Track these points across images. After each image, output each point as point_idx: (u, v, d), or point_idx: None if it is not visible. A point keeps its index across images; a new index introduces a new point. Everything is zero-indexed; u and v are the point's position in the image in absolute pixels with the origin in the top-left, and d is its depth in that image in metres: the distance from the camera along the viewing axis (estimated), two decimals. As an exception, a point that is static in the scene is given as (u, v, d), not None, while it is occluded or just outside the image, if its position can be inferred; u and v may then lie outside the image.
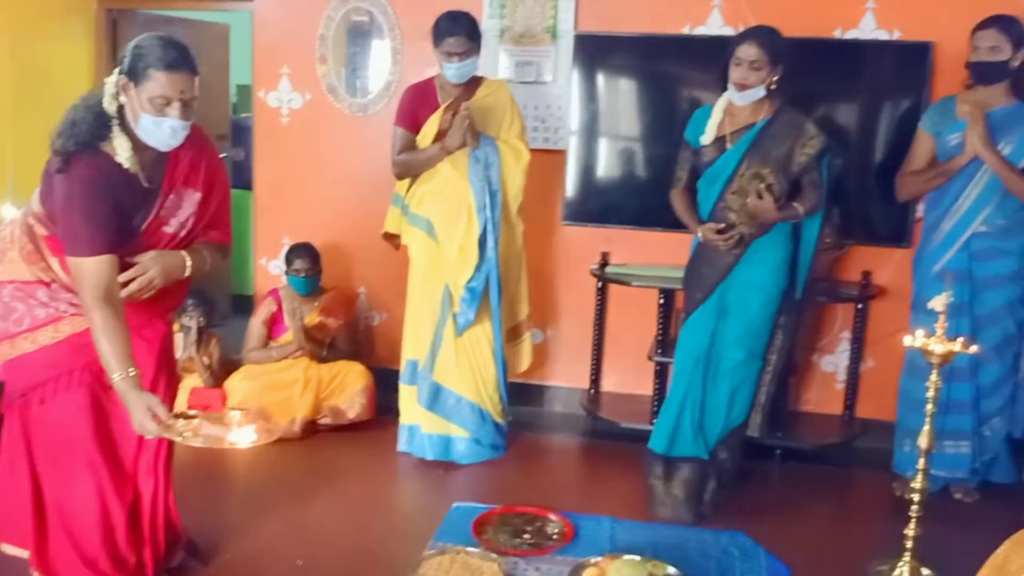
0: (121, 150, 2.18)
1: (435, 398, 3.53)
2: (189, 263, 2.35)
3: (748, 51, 3.08)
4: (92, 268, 2.16)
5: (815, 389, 4.10)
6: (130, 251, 2.26)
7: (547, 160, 4.12)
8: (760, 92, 3.11)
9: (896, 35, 3.79)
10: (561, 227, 4.17)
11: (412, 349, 3.60)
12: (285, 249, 4.24)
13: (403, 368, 3.65)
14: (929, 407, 2.70)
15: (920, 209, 3.72)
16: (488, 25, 4.07)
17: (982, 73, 3.20)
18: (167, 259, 2.31)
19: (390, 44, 4.20)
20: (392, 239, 3.71)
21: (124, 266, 2.25)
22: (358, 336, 4.42)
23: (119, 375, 2.14)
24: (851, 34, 3.83)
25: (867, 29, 3.81)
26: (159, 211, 2.29)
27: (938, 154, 3.36)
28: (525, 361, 3.84)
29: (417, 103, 3.47)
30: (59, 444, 2.34)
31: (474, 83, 3.48)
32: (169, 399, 2.52)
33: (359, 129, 4.30)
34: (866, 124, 3.89)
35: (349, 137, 4.32)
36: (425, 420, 3.57)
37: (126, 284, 2.25)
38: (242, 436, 2.21)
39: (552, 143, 4.13)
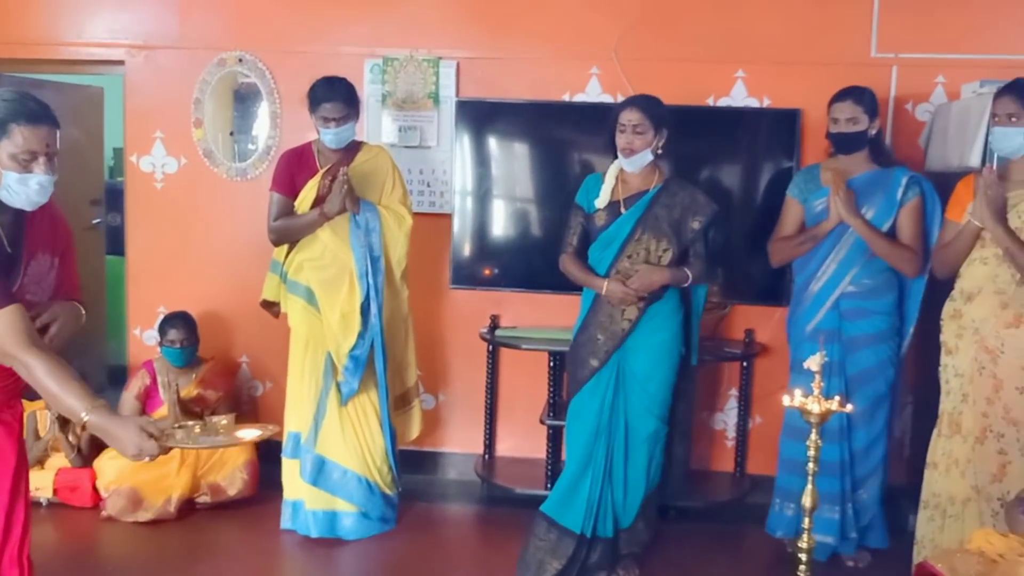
0: None
1: (319, 472, 3.38)
2: (83, 312, 2.22)
3: (630, 116, 3.13)
4: (8, 319, 1.98)
5: (706, 447, 4.14)
6: None
7: (433, 224, 4.09)
8: (648, 156, 3.16)
9: (767, 103, 3.96)
10: (449, 291, 4.12)
11: (294, 421, 3.46)
12: (160, 319, 4.05)
13: (285, 441, 3.50)
14: (811, 466, 2.71)
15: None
16: (370, 90, 4.05)
17: (842, 143, 3.33)
18: (65, 308, 2.17)
19: (269, 108, 4.12)
20: (271, 307, 3.59)
21: None
22: (240, 408, 4.23)
23: (87, 412, 1.95)
24: (723, 101, 3.97)
25: (738, 97, 3.97)
26: (23, 278, 2.13)
27: (806, 220, 3.46)
28: (415, 428, 3.76)
29: (295, 168, 3.40)
30: None
31: (354, 148, 3.43)
32: (24, 483, 2.32)
33: (238, 193, 4.18)
34: (743, 187, 4.02)
35: (228, 202, 4.20)
36: (309, 495, 3.41)
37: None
38: (248, 433, 2.19)
39: (438, 207, 4.11)
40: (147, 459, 1.97)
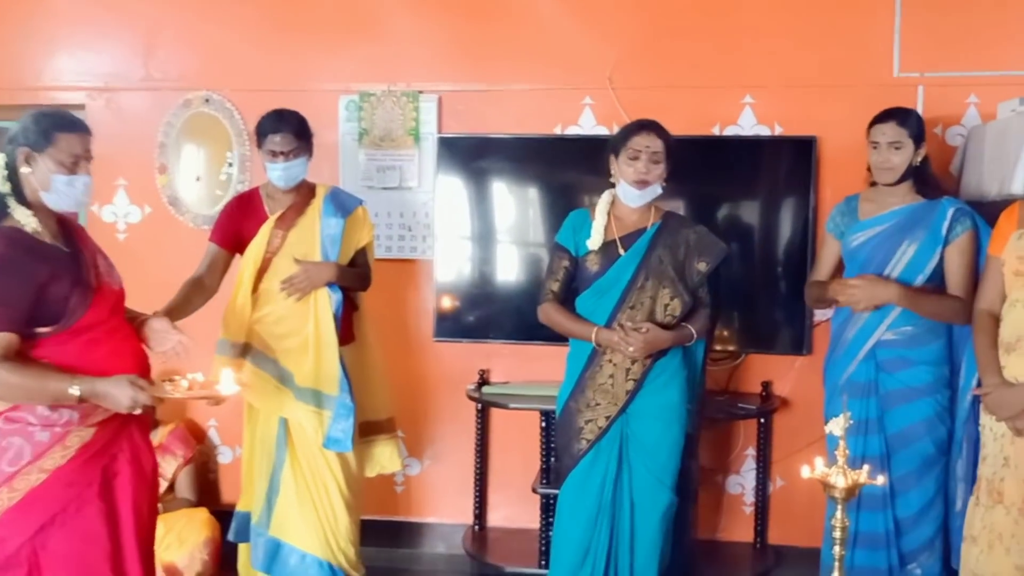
0: (26, 220, 2.19)
1: (273, 558, 2.95)
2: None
3: (648, 141, 2.75)
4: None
5: (723, 514, 3.70)
6: (85, 319, 2.17)
7: (414, 271, 3.75)
8: (658, 190, 2.79)
9: (779, 130, 3.59)
10: (432, 344, 3.75)
11: (245, 499, 3.07)
12: (119, 379, 3.73)
13: (233, 522, 3.12)
14: (837, 550, 2.30)
15: (820, 313, 3.44)
16: (345, 128, 3.75)
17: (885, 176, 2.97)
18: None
19: (238, 151, 3.83)
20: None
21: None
22: (208, 476, 3.88)
23: (73, 386, 2.09)
24: (731, 130, 3.61)
25: (747, 125, 3.60)
26: (99, 274, 2.27)
27: (844, 256, 3.09)
28: (379, 463, 3.21)
29: (238, 215, 3.04)
30: (78, 570, 2.17)
31: (307, 191, 3.08)
32: None
33: (206, 242, 3.83)
34: (755, 224, 3.63)
35: (195, 251, 3.76)
36: (264, 584, 3.01)
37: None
38: (226, 386, 2.31)
39: (420, 252, 3.76)
40: (139, 410, 2.13)
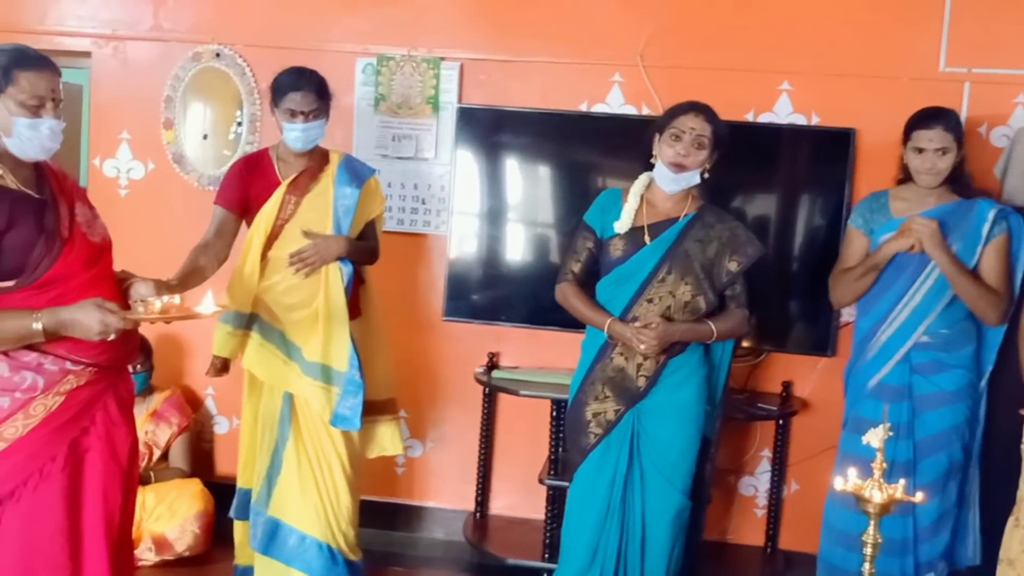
0: None
1: (271, 538, 2.83)
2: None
3: (695, 123, 2.61)
4: None
5: (733, 516, 3.58)
6: (53, 272, 2.01)
7: (427, 246, 3.60)
8: (695, 178, 2.65)
9: (815, 120, 3.43)
10: (442, 323, 3.61)
11: (244, 476, 2.94)
12: (114, 342, 3.58)
13: (235, 499, 2.99)
14: (867, 567, 2.18)
15: (847, 313, 3.30)
16: (361, 93, 3.58)
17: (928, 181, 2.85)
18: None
19: (248, 109, 3.65)
20: (224, 365, 2.95)
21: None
22: (203, 446, 3.75)
23: (37, 321, 1.94)
24: (765, 117, 3.45)
25: (782, 113, 3.44)
26: (74, 224, 2.09)
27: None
28: (380, 445, 3.06)
29: (246, 178, 2.87)
30: (26, 548, 2.01)
31: (320, 157, 2.91)
32: None
33: (210, 203, 3.63)
34: (784, 217, 3.48)
35: (198, 212, 3.63)
36: (260, 564, 2.87)
37: None
38: (206, 305, 2.11)
39: (433, 227, 3.61)
40: (112, 336, 1.96)
